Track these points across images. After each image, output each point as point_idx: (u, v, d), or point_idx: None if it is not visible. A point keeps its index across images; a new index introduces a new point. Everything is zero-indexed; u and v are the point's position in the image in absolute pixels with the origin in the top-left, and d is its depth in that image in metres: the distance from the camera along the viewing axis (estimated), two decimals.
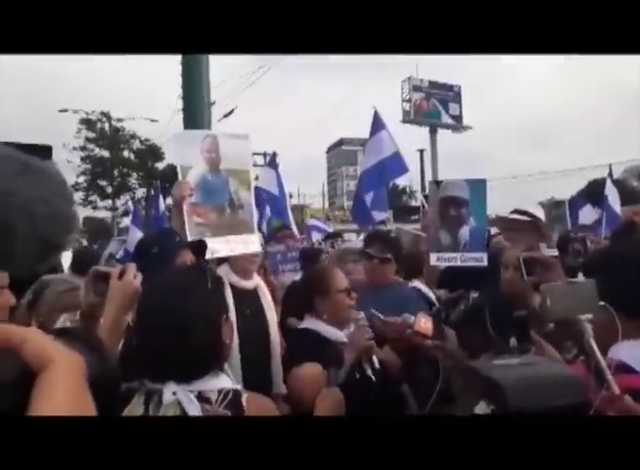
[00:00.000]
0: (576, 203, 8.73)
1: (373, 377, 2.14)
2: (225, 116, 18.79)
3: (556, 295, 1.37)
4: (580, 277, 1.45)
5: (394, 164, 4.62)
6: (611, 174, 8.04)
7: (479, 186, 3.21)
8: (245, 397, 1.36)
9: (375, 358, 2.13)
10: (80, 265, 3.07)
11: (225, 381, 1.40)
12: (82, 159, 34.47)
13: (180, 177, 2.43)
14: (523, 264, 1.94)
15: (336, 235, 5.23)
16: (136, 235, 7.51)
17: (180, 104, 7.22)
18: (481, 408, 0.85)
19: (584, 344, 1.33)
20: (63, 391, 0.49)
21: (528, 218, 3.01)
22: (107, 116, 33.98)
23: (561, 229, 4.61)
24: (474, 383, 0.90)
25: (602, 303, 1.36)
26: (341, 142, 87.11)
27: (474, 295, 2.30)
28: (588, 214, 8.04)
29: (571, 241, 3.51)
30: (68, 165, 32.73)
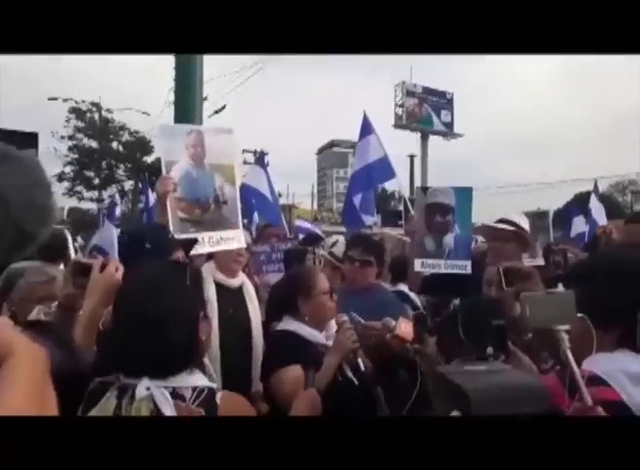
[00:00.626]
0: (571, 211, 8.79)
1: (355, 380, 2.14)
2: (216, 112, 18.75)
3: (535, 304, 1.38)
4: (560, 288, 1.46)
5: (382, 168, 4.63)
6: (596, 189, 8.14)
7: (465, 194, 3.24)
8: (219, 395, 1.35)
9: (361, 361, 2.13)
10: (49, 251, 3.01)
11: (200, 379, 1.39)
12: (70, 148, 34.09)
13: (164, 172, 2.41)
14: (502, 275, 1.96)
15: (317, 239, 5.19)
16: (110, 231, 7.34)
17: (172, 97, 7.17)
18: (455, 414, 0.86)
19: (561, 354, 1.34)
20: (22, 382, 0.48)
21: (512, 228, 3.03)
22: (97, 106, 33.65)
23: (544, 239, 4.65)
24: (441, 388, 0.90)
25: (580, 314, 1.37)
26: (332, 144, 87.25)
27: (456, 301, 2.31)
28: (581, 224, 8.10)
29: (551, 252, 3.55)
30: (55, 154, 32.41)
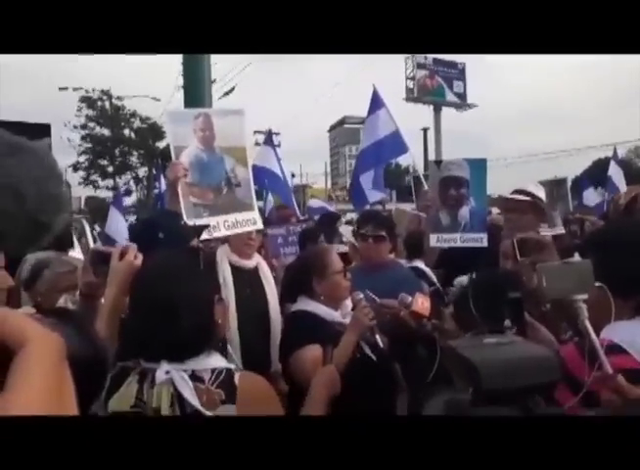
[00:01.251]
0: (581, 184, 8.68)
1: (374, 356, 2.15)
2: (226, 93, 18.64)
3: (552, 275, 1.37)
4: (577, 257, 1.44)
5: (393, 143, 4.55)
6: (615, 155, 7.97)
7: (479, 166, 3.19)
8: (237, 376, 1.37)
9: (378, 338, 2.14)
10: (64, 240, 3.03)
11: (218, 360, 1.40)
12: (83, 137, 34.29)
13: (174, 157, 2.40)
14: (517, 246, 1.94)
15: (333, 218, 5.15)
16: (117, 219, 7.35)
17: (181, 81, 7.14)
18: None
19: (579, 324, 1.33)
20: (38, 370, 0.48)
21: (528, 198, 2.99)
22: (107, 94, 33.70)
23: (563, 207, 4.57)
24: (453, 362, 0.90)
25: (598, 283, 1.35)
26: (343, 120, 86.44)
27: (472, 275, 2.30)
28: (592, 196, 8.00)
29: (568, 222, 3.50)
30: (69, 144, 32.65)
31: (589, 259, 1.39)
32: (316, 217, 7.10)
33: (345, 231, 3.74)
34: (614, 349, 1.30)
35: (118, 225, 6.92)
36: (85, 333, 0.81)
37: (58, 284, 2.16)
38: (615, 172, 7.38)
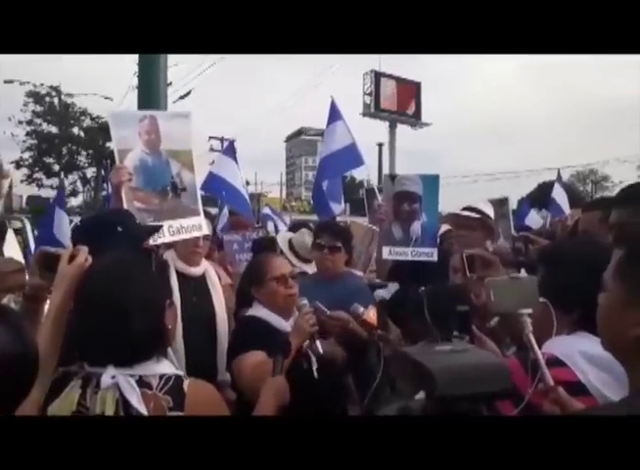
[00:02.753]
0: (523, 206, 9.05)
1: (316, 364, 2.14)
2: (181, 97, 18.37)
3: (500, 289, 1.42)
4: (523, 273, 1.50)
5: (350, 155, 4.60)
6: (559, 178, 8.35)
7: (432, 182, 3.27)
8: (187, 383, 1.34)
9: (319, 343, 2.14)
10: None
11: (167, 366, 1.37)
12: (28, 133, 32.87)
13: (118, 161, 2.34)
14: (466, 262, 2.00)
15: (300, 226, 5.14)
16: (62, 218, 7.06)
17: (135, 82, 6.99)
18: (421, 396, 0.87)
19: (524, 337, 1.38)
20: None
21: (478, 216, 3.09)
22: (56, 90, 32.49)
23: (505, 226, 4.77)
24: (406, 368, 0.92)
25: (542, 299, 1.41)
26: (300, 131, 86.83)
27: (421, 288, 2.36)
28: (534, 218, 8.35)
29: (513, 240, 3.64)
30: (13, 139, 31.21)
31: (534, 276, 1.46)
32: (269, 224, 7.07)
33: (282, 240, 3.73)
34: (554, 362, 1.36)
35: (63, 226, 6.62)
36: (14, 330, 0.78)
37: (4, 283, 2.06)
38: (558, 194, 7.72)
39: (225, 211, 6.21)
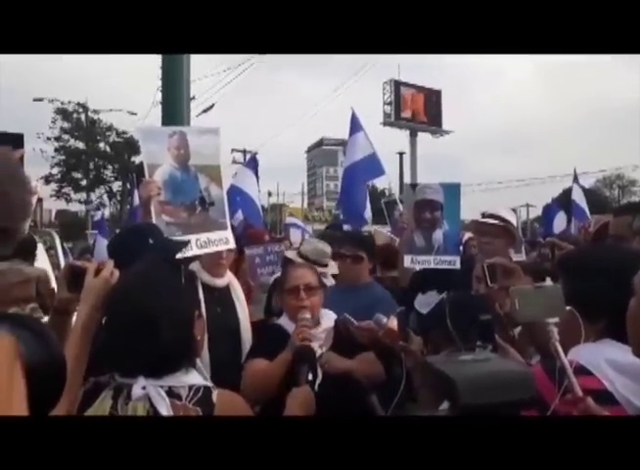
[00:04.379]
0: (551, 210, 8.91)
1: (312, 377, 2.12)
2: (204, 111, 18.65)
3: (525, 299, 1.41)
4: (548, 282, 1.49)
5: (371, 165, 4.63)
6: (576, 178, 8.20)
7: (453, 190, 3.26)
8: (215, 393, 1.36)
9: (308, 372, 2.08)
10: (26, 251, 2.97)
11: (196, 377, 1.39)
12: (56, 149, 33.72)
13: (147, 176, 2.39)
14: (487, 271, 1.99)
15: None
16: (103, 245, 7.30)
17: (159, 97, 7.12)
18: (445, 407, 0.88)
19: (550, 347, 1.37)
20: None
21: (501, 223, 3.07)
22: (83, 106, 33.33)
23: (530, 234, 4.74)
24: (429, 378, 0.92)
25: (568, 307, 1.40)
26: (321, 142, 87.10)
27: (444, 297, 2.34)
28: (562, 221, 8.21)
29: (539, 246, 3.59)
30: (42, 156, 32.04)
31: (559, 284, 1.44)
32: (293, 234, 7.11)
33: (292, 256, 3.76)
34: (580, 370, 1.34)
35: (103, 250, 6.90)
36: (42, 340, 0.81)
37: (10, 294, 2.10)
38: (577, 195, 7.57)
39: (240, 215, 6.26)
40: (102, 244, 7.28)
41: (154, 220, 2.29)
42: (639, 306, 1.04)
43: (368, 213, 5.35)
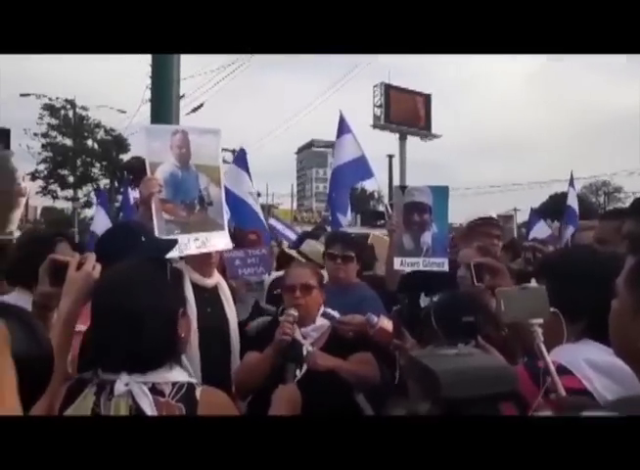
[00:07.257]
0: (532, 219, 8.99)
1: (297, 374, 2.19)
2: (193, 110, 18.52)
3: (510, 299, 1.42)
4: (533, 283, 1.50)
5: (359, 168, 4.63)
6: (572, 183, 8.21)
7: (441, 193, 3.29)
8: (199, 390, 1.36)
9: (293, 370, 2.19)
10: None
11: (180, 374, 1.39)
12: (43, 146, 33.34)
13: (149, 173, 2.39)
14: (473, 270, 2.01)
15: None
16: (103, 219, 7.55)
17: (148, 95, 7.09)
18: (427, 407, 0.88)
19: (535, 347, 1.38)
20: None
21: (498, 222, 3.14)
22: (71, 103, 32.99)
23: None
24: (412, 371, 0.93)
25: (552, 308, 1.41)
26: (311, 144, 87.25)
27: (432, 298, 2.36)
28: (541, 230, 8.28)
29: (522, 249, 3.64)
30: (28, 152, 31.68)
31: (544, 285, 1.46)
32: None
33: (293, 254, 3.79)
34: (560, 370, 1.36)
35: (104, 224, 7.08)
36: (29, 328, 0.80)
37: None
38: (572, 200, 7.57)
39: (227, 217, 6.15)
40: (102, 215, 7.70)
41: (154, 217, 2.30)
42: (622, 308, 1.06)
43: (347, 216, 5.33)
